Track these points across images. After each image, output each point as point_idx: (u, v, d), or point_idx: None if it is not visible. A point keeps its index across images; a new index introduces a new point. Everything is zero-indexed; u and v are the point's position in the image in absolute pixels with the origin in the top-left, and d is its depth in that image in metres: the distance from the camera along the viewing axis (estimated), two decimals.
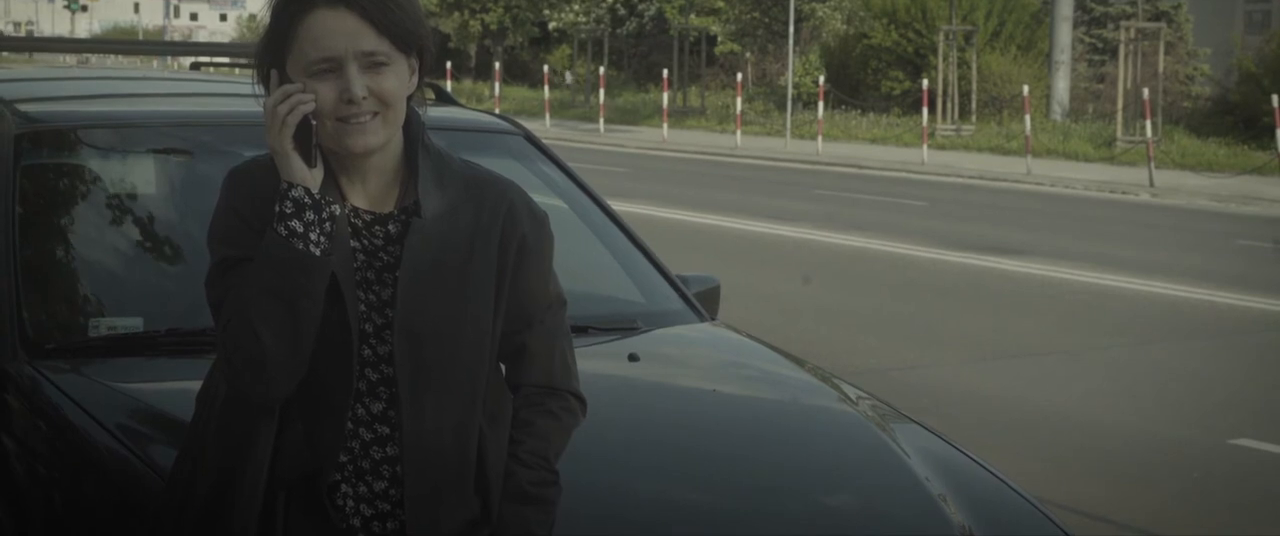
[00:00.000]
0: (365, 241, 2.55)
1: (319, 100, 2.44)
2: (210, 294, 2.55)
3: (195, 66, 5.93)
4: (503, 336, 2.61)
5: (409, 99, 2.55)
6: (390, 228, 2.55)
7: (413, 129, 2.57)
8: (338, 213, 2.49)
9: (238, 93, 4.18)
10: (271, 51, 2.50)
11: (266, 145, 2.47)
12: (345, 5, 2.44)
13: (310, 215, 2.44)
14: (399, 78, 2.48)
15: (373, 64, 2.45)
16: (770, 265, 13.77)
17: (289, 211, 2.44)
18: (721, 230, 16.50)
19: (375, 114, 2.46)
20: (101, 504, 3.11)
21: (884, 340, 10.40)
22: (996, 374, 9.56)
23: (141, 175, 4.09)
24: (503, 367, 2.66)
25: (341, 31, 2.43)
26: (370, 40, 2.44)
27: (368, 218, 2.55)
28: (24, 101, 4.15)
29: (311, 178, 2.46)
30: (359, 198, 2.55)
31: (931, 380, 9.06)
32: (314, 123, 2.44)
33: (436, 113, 4.40)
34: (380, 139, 2.48)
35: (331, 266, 2.47)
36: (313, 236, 2.44)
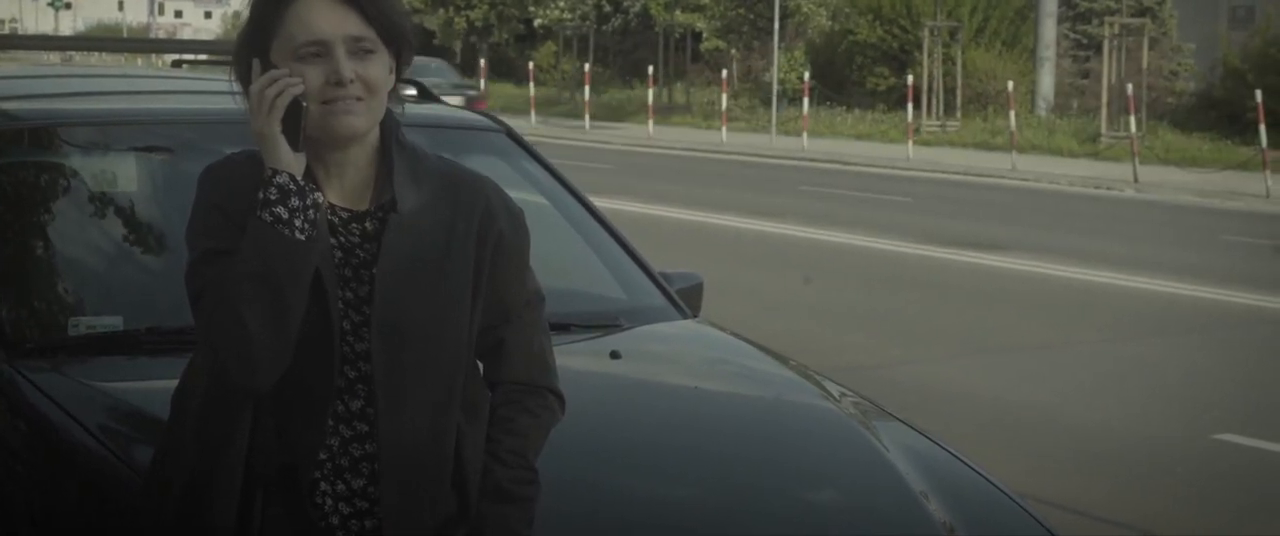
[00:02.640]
0: (342, 239, 2.54)
1: (306, 83, 2.44)
2: (191, 286, 2.53)
3: (176, 64, 5.90)
4: (480, 333, 2.60)
5: (389, 97, 2.55)
6: (367, 225, 2.55)
7: (387, 126, 2.57)
8: (321, 201, 2.48)
9: (219, 90, 4.16)
10: (255, 40, 2.51)
11: (252, 131, 2.46)
12: None
13: (295, 201, 2.44)
14: (382, 67, 2.50)
15: (359, 50, 2.47)
16: (754, 261, 13.78)
17: (273, 198, 2.43)
18: (706, 226, 16.50)
19: (360, 98, 2.46)
20: (81, 503, 3.10)
21: (868, 336, 10.41)
22: (980, 370, 9.57)
23: (122, 173, 4.07)
24: (481, 365, 2.66)
25: (330, 15, 2.45)
26: (357, 26, 2.46)
27: (344, 215, 2.55)
28: (3, 99, 4.12)
29: (296, 164, 2.45)
30: (335, 195, 2.55)
31: (916, 376, 9.06)
32: (304, 104, 2.44)
33: (419, 110, 4.40)
34: (365, 123, 2.49)
35: (316, 254, 2.46)
36: (297, 222, 2.44)
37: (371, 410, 2.53)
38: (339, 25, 2.45)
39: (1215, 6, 37.36)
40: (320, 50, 2.45)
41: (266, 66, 2.48)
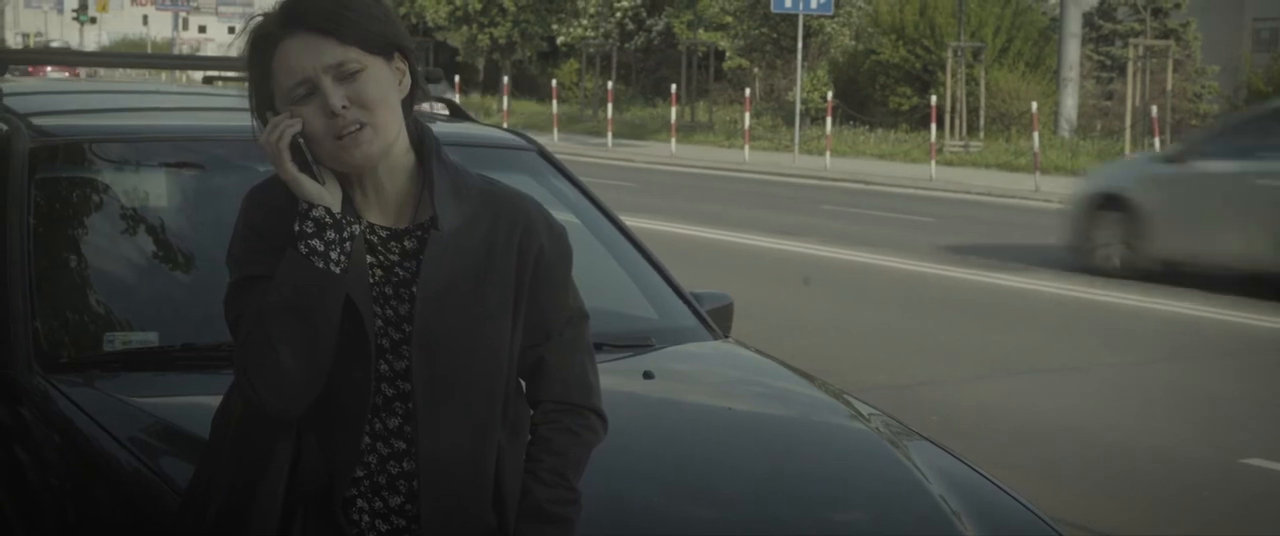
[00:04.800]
0: (382, 257, 2.56)
1: (307, 124, 2.47)
2: (228, 311, 2.57)
3: (207, 80, 5.93)
4: (522, 351, 2.61)
5: (409, 105, 2.56)
6: (407, 243, 2.56)
7: (426, 144, 2.58)
8: (357, 232, 2.50)
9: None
10: (260, 96, 2.54)
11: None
12: (301, 28, 2.48)
13: (331, 234, 2.47)
14: (379, 82, 2.49)
15: (346, 74, 2.47)
16: (778, 280, 13.76)
17: (310, 231, 2.47)
18: (729, 245, 16.50)
19: (363, 124, 2.47)
20: (115, 517, 3.11)
21: (893, 356, 10.40)
22: (1005, 390, 9.55)
23: (155, 189, 4.10)
24: (523, 383, 2.66)
25: (305, 52, 2.47)
26: (335, 51, 2.47)
27: (384, 233, 2.57)
28: (38, 115, 4.15)
29: (330, 197, 2.48)
30: (374, 214, 2.57)
31: (939, 396, 9.05)
32: (301, 141, 2.47)
33: (451, 129, 4.42)
34: (377, 147, 2.49)
35: (349, 284, 2.48)
36: (333, 255, 2.47)
37: (409, 427, 2.54)
38: (315, 57, 2.46)
39: (1239, 29, 37.30)
40: (309, 88, 2.47)
41: (276, 115, 2.51)
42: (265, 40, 2.51)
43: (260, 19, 2.55)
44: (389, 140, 2.51)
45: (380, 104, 2.49)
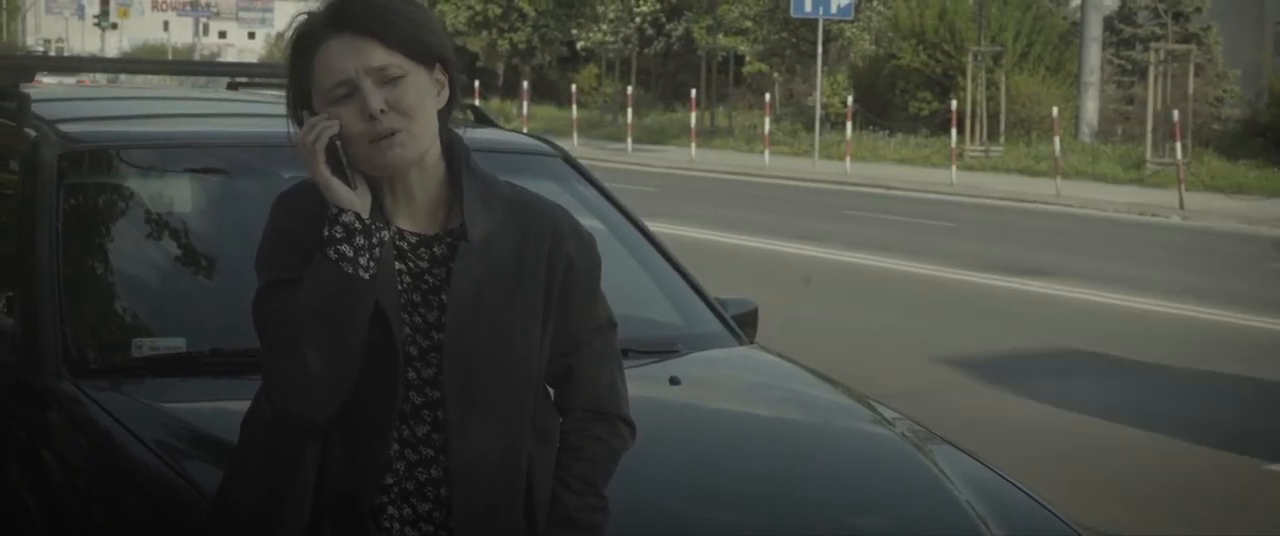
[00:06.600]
0: (411, 264, 2.56)
1: (344, 125, 2.46)
2: (257, 316, 2.57)
3: (232, 86, 5.95)
4: (551, 359, 2.61)
5: (445, 116, 2.56)
6: (436, 250, 2.57)
7: (456, 151, 2.58)
8: (387, 238, 2.51)
9: (276, 113, 4.20)
10: (298, 95, 2.54)
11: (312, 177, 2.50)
12: (348, 29, 2.47)
13: (360, 240, 2.47)
14: (418, 89, 2.49)
15: (387, 78, 2.47)
16: (798, 285, 13.74)
17: (339, 236, 2.47)
18: (749, 250, 16.49)
19: (398, 130, 2.47)
20: (142, 522, 3.13)
21: (913, 362, 10.38)
22: (1025, 396, 9.53)
23: (182, 195, 4.11)
24: (552, 392, 2.67)
25: (349, 53, 2.47)
26: (379, 55, 2.47)
27: (413, 240, 2.57)
28: (65, 121, 4.17)
29: (360, 202, 2.48)
30: (404, 220, 2.57)
31: (959, 402, 9.04)
32: (338, 144, 2.46)
33: (475, 134, 4.39)
34: (411, 153, 2.49)
35: (377, 290, 2.48)
36: (362, 261, 2.47)
37: (438, 435, 2.54)
38: (359, 59, 2.46)
39: (1260, 32, 37.19)
40: (348, 89, 2.47)
41: (314, 115, 2.51)
42: (309, 39, 2.51)
43: (304, 17, 2.55)
44: (423, 148, 2.51)
45: (417, 112, 2.49)
